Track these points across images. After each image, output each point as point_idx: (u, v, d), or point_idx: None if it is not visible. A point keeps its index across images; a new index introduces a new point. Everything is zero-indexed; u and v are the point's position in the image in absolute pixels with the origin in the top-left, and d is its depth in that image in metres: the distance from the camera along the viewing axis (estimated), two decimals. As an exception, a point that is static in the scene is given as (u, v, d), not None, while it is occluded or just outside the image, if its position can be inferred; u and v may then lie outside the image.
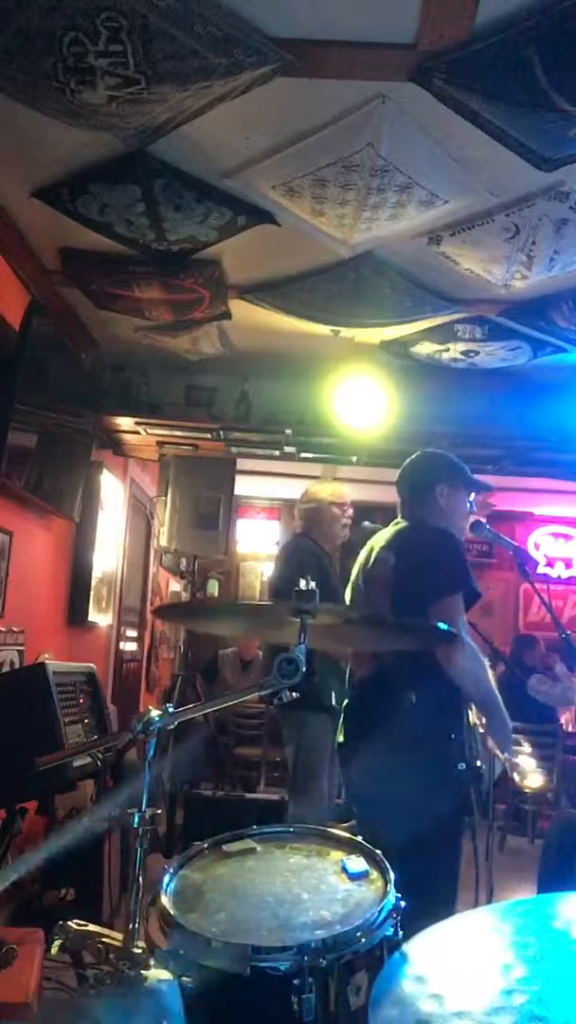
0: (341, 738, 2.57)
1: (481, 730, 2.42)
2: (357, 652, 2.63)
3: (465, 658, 2.28)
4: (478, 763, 2.33)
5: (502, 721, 2.40)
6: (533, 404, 4.39)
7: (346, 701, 2.64)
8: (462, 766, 2.27)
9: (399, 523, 2.63)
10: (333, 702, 3.27)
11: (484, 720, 2.40)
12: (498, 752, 2.43)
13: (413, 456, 2.73)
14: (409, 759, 2.22)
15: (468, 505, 2.65)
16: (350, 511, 3.90)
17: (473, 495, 2.67)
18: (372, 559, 2.57)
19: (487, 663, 2.39)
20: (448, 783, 2.26)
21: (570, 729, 5.68)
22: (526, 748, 5.58)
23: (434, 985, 0.77)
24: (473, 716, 2.42)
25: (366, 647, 2.49)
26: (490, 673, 2.40)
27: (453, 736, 2.29)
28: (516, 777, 5.62)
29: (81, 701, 2.91)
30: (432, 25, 1.88)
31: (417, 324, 3.61)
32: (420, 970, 0.79)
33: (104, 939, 1.42)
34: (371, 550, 2.63)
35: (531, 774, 5.58)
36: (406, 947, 0.99)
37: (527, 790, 5.60)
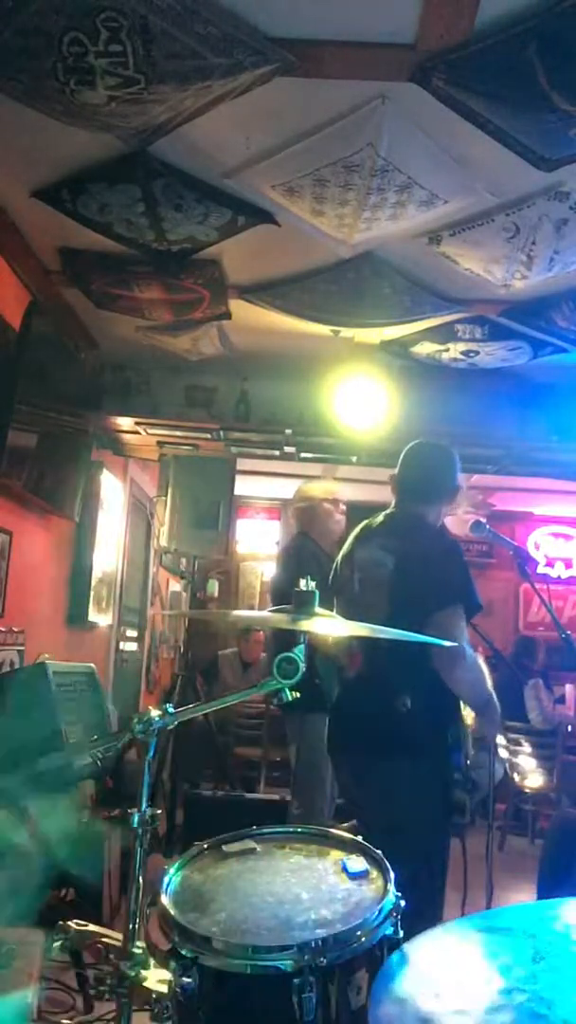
0: (330, 737, 2.54)
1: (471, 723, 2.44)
2: (350, 650, 2.59)
3: (466, 670, 2.26)
4: (472, 771, 2.34)
5: (494, 721, 2.41)
6: (533, 404, 4.39)
7: (335, 698, 2.61)
8: (457, 776, 2.27)
9: (393, 514, 2.54)
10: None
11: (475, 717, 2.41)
12: (500, 752, 2.46)
13: (419, 444, 2.63)
14: (403, 766, 2.24)
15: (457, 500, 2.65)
16: (343, 506, 3.92)
17: None
18: (367, 557, 2.48)
19: (486, 669, 2.39)
20: (437, 788, 2.26)
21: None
22: (526, 748, 5.58)
23: (434, 984, 0.78)
24: (467, 719, 2.43)
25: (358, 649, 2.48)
26: (488, 678, 2.39)
27: (448, 746, 2.29)
28: (516, 777, 5.62)
29: (81, 701, 2.91)
30: (432, 25, 1.88)
31: (417, 324, 3.61)
32: (421, 969, 0.80)
33: (104, 939, 1.42)
34: (358, 540, 2.55)
35: (531, 774, 5.58)
36: (406, 946, 0.99)
37: (527, 790, 5.61)
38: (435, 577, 2.30)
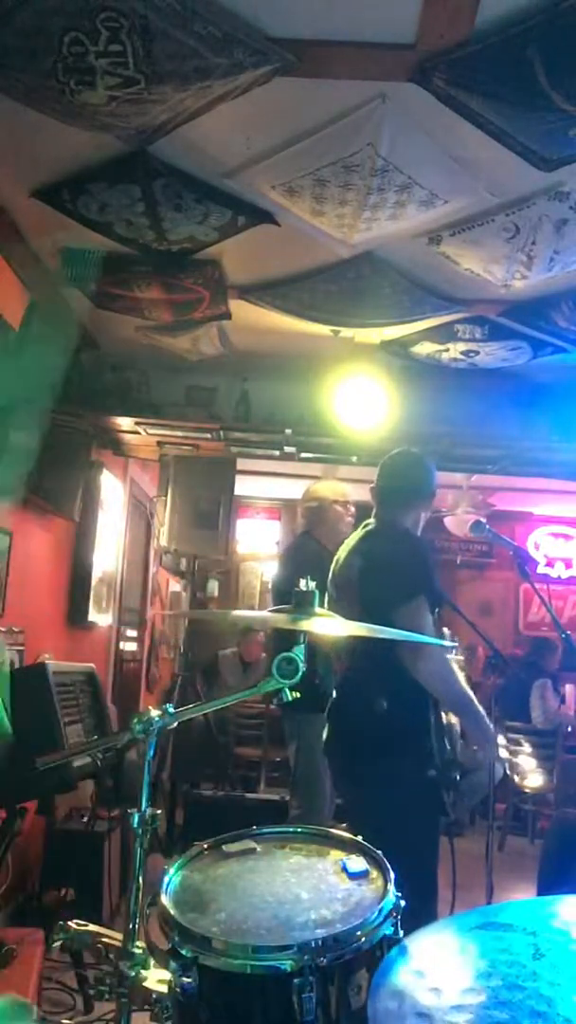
0: (324, 737, 2.60)
1: (458, 728, 2.46)
2: (337, 654, 2.66)
3: (431, 662, 2.29)
4: (453, 765, 2.35)
5: (476, 720, 2.41)
6: (533, 404, 4.39)
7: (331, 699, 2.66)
8: (432, 772, 2.30)
9: (368, 525, 2.64)
10: None
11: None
12: (501, 752, 2.46)
13: (394, 455, 2.73)
14: (381, 764, 2.29)
15: (430, 508, 2.70)
16: (353, 509, 3.90)
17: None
18: (340, 562, 2.59)
19: (456, 666, 2.41)
20: (419, 788, 2.29)
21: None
22: (526, 748, 5.58)
23: (433, 979, 0.78)
24: (448, 716, 2.46)
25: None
26: (460, 674, 2.41)
27: (422, 743, 2.32)
28: (516, 777, 5.63)
29: (81, 701, 2.91)
30: (432, 25, 1.88)
31: (417, 324, 3.61)
32: (419, 964, 0.80)
33: (104, 939, 1.42)
34: (343, 549, 2.65)
35: (531, 774, 5.58)
36: (406, 942, 0.99)
37: (527, 790, 5.61)
38: (397, 573, 2.38)
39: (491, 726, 2.47)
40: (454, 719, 2.45)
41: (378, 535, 2.55)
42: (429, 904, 2.21)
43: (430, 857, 2.31)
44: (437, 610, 2.43)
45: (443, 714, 2.41)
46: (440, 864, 2.35)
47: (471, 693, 2.41)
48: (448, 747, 2.38)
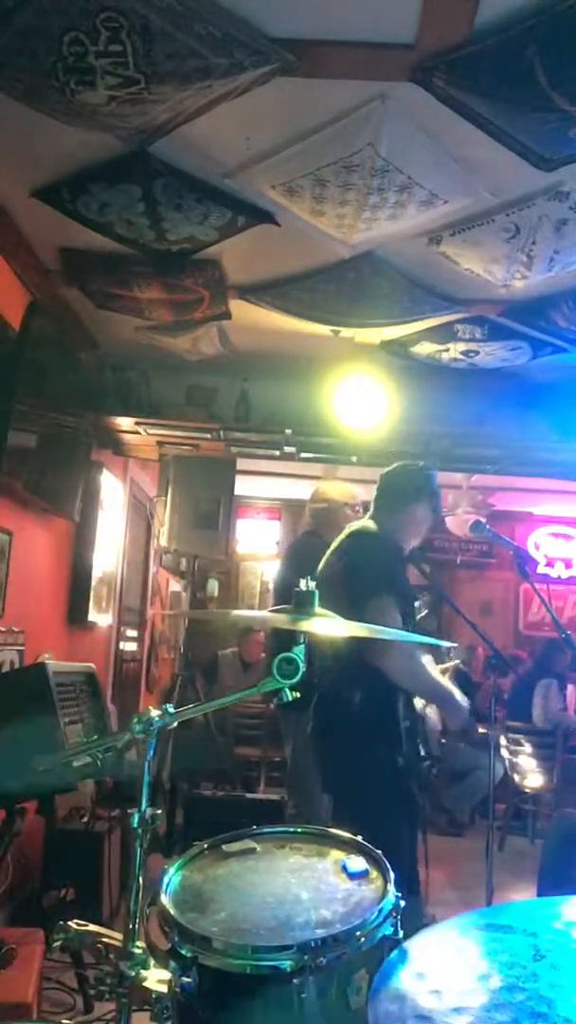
0: (308, 731, 2.73)
1: (433, 716, 2.59)
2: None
3: (396, 658, 2.42)
4: (423, 757, 2.51)
5: (447, 704, 2.60)
6: (533, 404, 4.39)
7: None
8: (400, 761, 2.42)
9: (352, 527, 2.76)
10: None
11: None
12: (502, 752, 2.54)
13: (393, 467, 2.83)
14: (353, 752, 2.45)
15: (431, 519, 2.79)
16: (360, 510, 3.89)
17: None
18: (324, 562, 2.71)
19: (427, 658, 2.56)
20: (387, 775, 2.41)
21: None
22: (526, 748, 5.58)
23: (433, 981, 0.77)
24: (419, 705, 2.65)
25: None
26: (431, 668, 2.56)
27: (390, 733, 2.45)
28: (516, 777, 5.62)
29: (81, 701, 2.91)
30: (432, 25, 1.88)
31: (417, 324, 3.61)
32: (419, 966, 0.79)
33: (104, 939, 1.42)
34: (328, 553, 2.75)
35: (531, 774, 5.58)
36: (406, 944, 0.99)
37: (527, 790, 5.60)
38: (361, 573, 2.50)
39: (464, 704, 2.60)
40: (431, 711, 2.57)
41: (356, 538, 2.67)
42: (409, 898, 2.23)
43: (406, 848, 2.39)
44: (423, 609, 2.53)
45: (416, 707, 2.57)
46: (443, 866, 2.37)
47: (443, 682, 2.59)
48: (419, 741, 2.52)
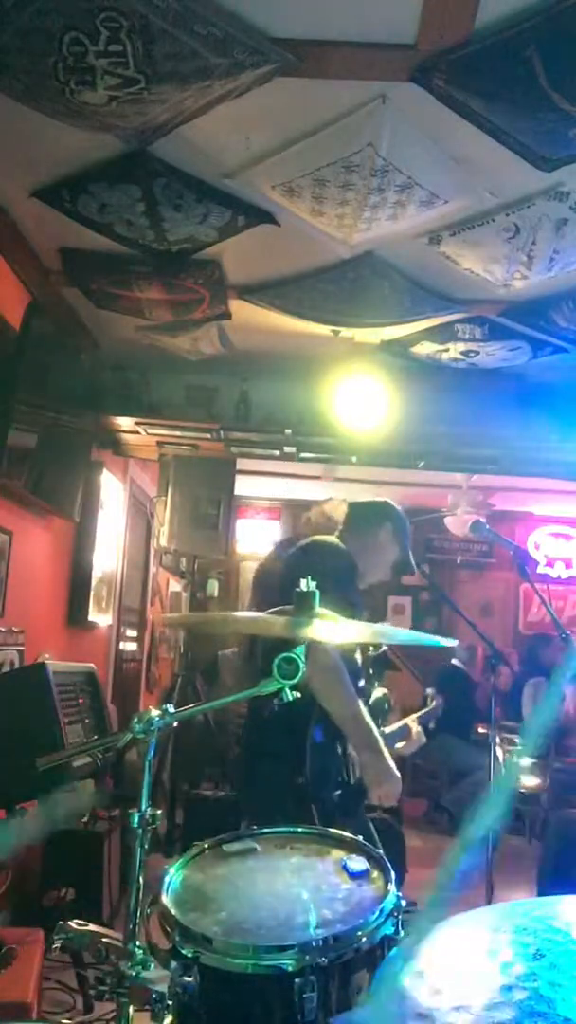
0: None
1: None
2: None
3: (316, 674, 2.15)
4: (333, 784, 2.35)
5: (361, 738, 2.33)
6: (533, 404, 4.39)
7: None
8: (300, 780, 2.31)
9: (314, 537, 2.64)
10: None
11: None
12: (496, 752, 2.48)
13: (360, 500, 2.77)
14: (261, 768, 2.43)
15: (395, 553, 2.69)
16: None
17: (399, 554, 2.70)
18: (263, 569, 2.71)
19: (347, 679, 2.31)
20: (285, 793, 2.31)
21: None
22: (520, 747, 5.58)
23: (433, 979, 0.77)
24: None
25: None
26: (346, 688, 2.30)
27: (297, 750, 2.34)
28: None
29: (81, 701, 2.91)
30: (432, 25, 1.88)
31: (417, 324, 3.61)
32: (419, 965, 0.79)
33: (104, 939, 1.42)
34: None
35: (525, 774, 5.57)
36: (406, 943, 0.99)
37: (524, 790, 5.60)
38: (303, 569, 2.39)
39: (388, 760, 2.32)
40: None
41: (309, 541, 2.56)
42: None
43: None
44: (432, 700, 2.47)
45: (347, 728, 2.34)
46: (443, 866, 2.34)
47: (366, 719, 2.32)
48: (342, 766, 2.39)
